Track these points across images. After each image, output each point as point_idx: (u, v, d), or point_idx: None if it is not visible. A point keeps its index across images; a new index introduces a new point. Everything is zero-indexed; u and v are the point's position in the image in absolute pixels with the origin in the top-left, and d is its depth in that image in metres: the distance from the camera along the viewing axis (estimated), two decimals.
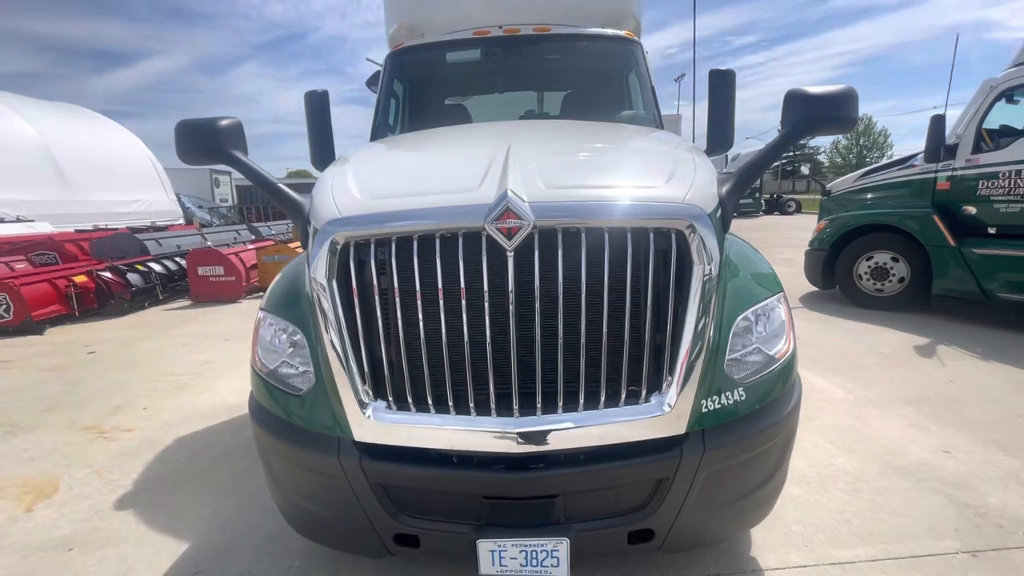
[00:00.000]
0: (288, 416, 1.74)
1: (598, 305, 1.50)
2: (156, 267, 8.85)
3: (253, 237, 13.30)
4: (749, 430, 1.64)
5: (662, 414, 1.54)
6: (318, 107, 3.32)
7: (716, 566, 2.11)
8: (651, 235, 1.51)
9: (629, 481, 1.60)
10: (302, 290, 1.88)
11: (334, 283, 1.58)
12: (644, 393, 1.56)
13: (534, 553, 1.58)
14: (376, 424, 1.58)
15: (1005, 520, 2.33)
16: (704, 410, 1.58)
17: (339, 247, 1.57)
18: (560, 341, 1.50)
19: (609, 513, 1.64)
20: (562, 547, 1.57)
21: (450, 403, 1.56)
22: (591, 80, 3.40)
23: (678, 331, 1.54)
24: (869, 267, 6.37)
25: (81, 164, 19.18)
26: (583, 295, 1.49)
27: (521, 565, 1.60)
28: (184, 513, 2.62)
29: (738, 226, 21.81)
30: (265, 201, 25.08)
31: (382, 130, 3.18)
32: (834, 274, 6.71)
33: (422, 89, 3.45)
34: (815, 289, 7.26)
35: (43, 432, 3.67)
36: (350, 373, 1.58)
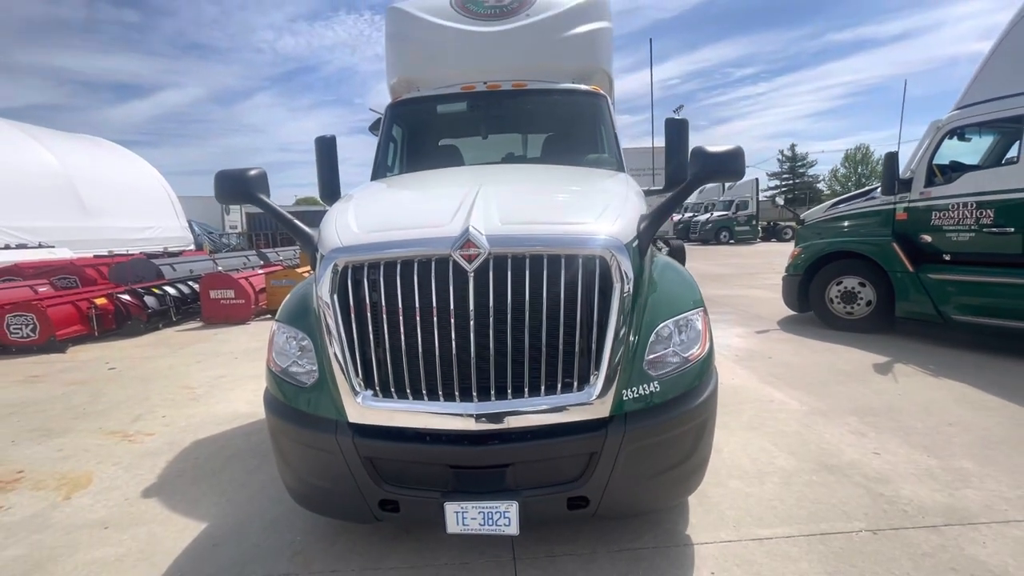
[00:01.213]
0: (297, 404, 2.17)
1: (538, 316, 1.94)
2: (171, 290, 9.37)
3: (262, 262, 13.88)
4: (664, 415, 2.05)
5: (589, 400, 1.96)
6: (327, 150, 3.85)
7: (655, 540, 2.48)
8: (580, 260, 1.97)
9: (566, 454, 2.01)
10: (310, 305, 2.34)
11: (335, 298, 2.03)
12: (576, 384, 1.99)
13: (490, 514, 1.98)
14: (365, 408, 2.00)
15: (911, 507, 2.69)
16: (625, 398, 2.00)
17: (340, 269, 2.03)
18: (509, 343, 1.94)
19: (551, 482, 2.03)
20: (512, 509, 1.96)
21: (423, 391, 1.98)
22: (562, 127, 3.92)
23: (602, 335, 1.97)
24: (839, 291, 6.78)
25: (99, 192, 20.02)
26: (527, 308, 1.93)
27: (480, 524, 1.99)
28: (203, 501, 3.01)
29: (731, 252, 22.34)
30: (272, 228, 25.83)
31: (382, 170, 3.69)
32: (808, 298, 7.13)
33: (417, 134, 3.98)
34: (794, 313, 7.66)
35: (74, 436, 4.08)
36: (346, 368, 2.01)
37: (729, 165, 2.13)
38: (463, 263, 1.91)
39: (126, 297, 8.37)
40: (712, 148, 2.17)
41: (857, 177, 58.28)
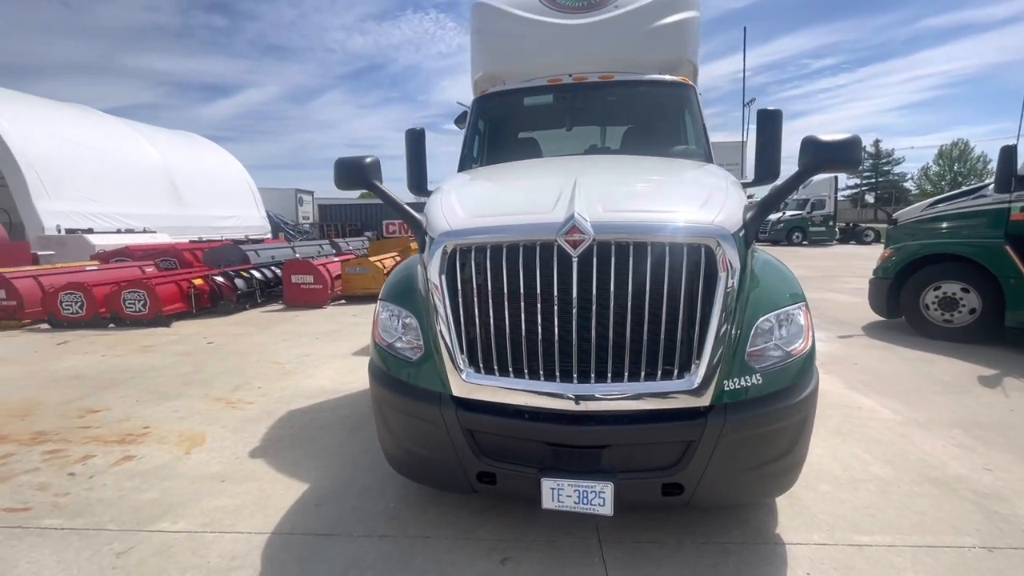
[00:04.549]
0: (402, 376, 2.31)
1: (641, 302, 1.97)
2: (256, 274, 10.10)
3: (334, 251, 14.65)
4: (765, 408, 2.02)
5: (690, 388, 1.97)
6: (416, 142, 4.04)
7: (744, 536, 2.44)
8: (685, 249, 1.97)
9: (663, 441, 2.03)
10: (413, 285, 2.49)
11: (443, 278, 2.15)
12: (676, 371, 2.00)
13: (585, 493, 2.04)
14: (468, 383, 2.11)
15: None
16: (725, 388, 1.99)
17: (448, 252, 2.15)
18: (611, 328, 1.98)
19: (647, 467, 2.06)
20: (607, 489, 2.01)
21: (525, 370, 2.07)
22: (649, 119, 3.89)
23: (705, 324, 1.97)
24: (937, 297, 6.27)
25: (192, 183, 21.83)
26: (629, 294, 1.97)
27: (575, 502, 2.06)
28: (302, 464, 3.27)
29: (806, 254, 21.06)
30: (341, 220, 27.11)
31: (468, 161, 3.82)
32: (899, 303, 6.64)
33: (503, 127, 4.08)
34: (881, 319, 7.16)
35: (186, 400, 4.53)
36: (451, 344, 2.13)
37: (844, 154, 2.05)
38: (568, 248, 1.97)
39: (220, 279, 9.12)
40: (825, 136, 2.10)
41: (952, 176, 53.22)
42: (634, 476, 2.05)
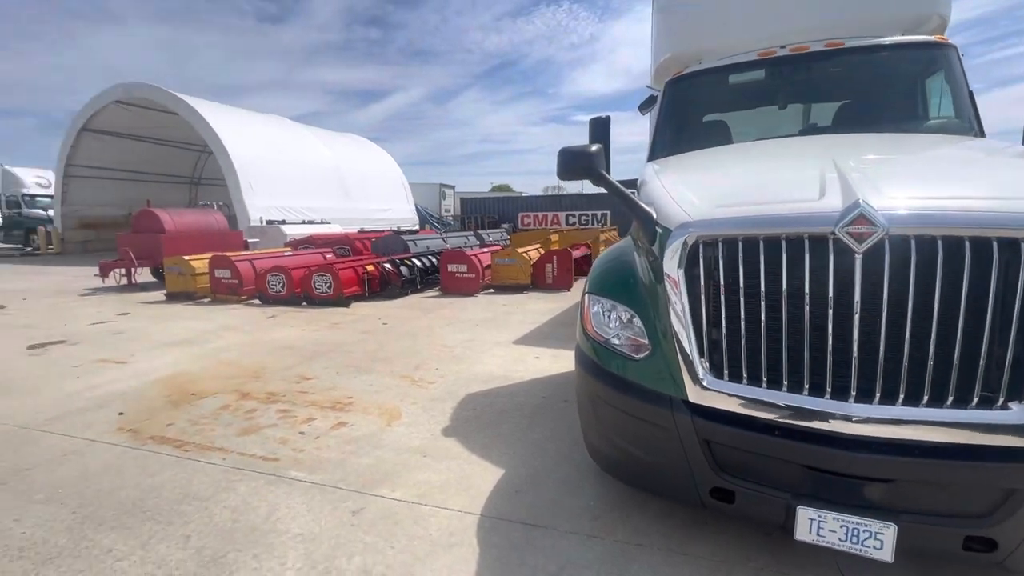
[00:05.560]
0: (624, 374, 2.20)
1: (953, 311, 1.59)
2: (416, 263, 10.94)
3: (478, 242, 15.35)
4: None
5: (1020, 423, 1.55)
6: (601, 130, 3.89)
7: None
8: (1022, 246, 1.55)
9: (972, 484, 1.64)
10: (629, 277, 2.36)
11: (682, 273, 1.98)
12: (1001, 400, 1.59)
13: (856, 531, 1.73)
14: (710, 390, 1.92)
15: None
16: None
17: (689, 244, 1.96)
18: (907, 338, 1.64)
19: (945, 512, 1.69)
20: (888, 531, 1.68)
21: (784, 381, 1.81)
22: (890, 89, 3.26)
23: None
24: None
25: (356, 179, 24.48)
26: (936, 300, 1.60)
27: (839, 539, 1.76)
28: (492, 448, 3.37)
29: None
30: (481, 213, 28.40)
31: (662, 149, 3.58)
32: None
33: (700, 110, 3.76)
34: None
35: (376, 375, 5.01)
36: (690, 346, 1.95)
37: None
38: (850, 243, 1.66)
39: (388, 266, 10.04)
40: None
41: None
42: (926, 520, 1.69)
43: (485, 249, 11.72)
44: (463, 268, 10.11)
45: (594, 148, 2.32)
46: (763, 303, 1.82)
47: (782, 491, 1.85)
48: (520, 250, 10.88)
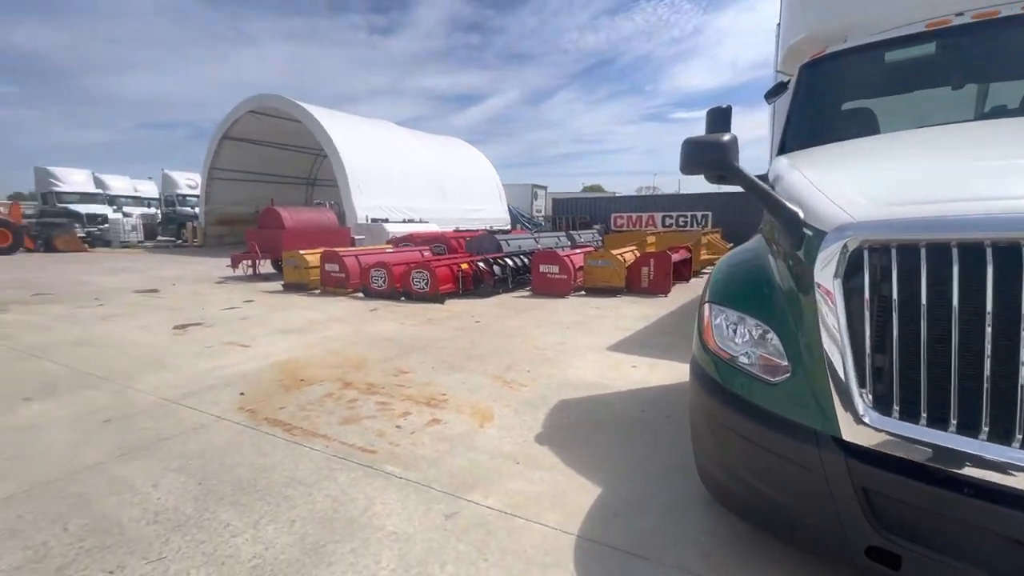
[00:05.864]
0: (754, 398, 1.90)
1: None
2: (508, 262, 10.98)
3: (569, 243, 15.12)
4: None
5: None
6: (720, 121, 3.51)
7: None
8: None
9: None
10: (761, 285, 2.04)
11: (838, 283, 1.65)
12: None
13: None
14: (871, 428, 1.58)
15: None
16: None
17: (851, 250, 1.63)
18: None
19: None
20: None
21: (984, 427, 1.43)
22: None
23: None
24: None
25: (453, 180, 25.33)
26: None
27: None
28: (587, 461, 3.17)
29: None
30: (572, 212, 28.06)
31: (797, 140, 3.13)
32: None
33: (843, 95, 3.25)
34: None
35: (469, 373, 5.01)
36: (846, 372, 1.62)
37: None
38: None
39: (481, 264, 10.18)
40: None
41: None
42: None
43: (577, 250, 11.47)
44: (555, 269, 9.96)
45: (726, 138, 2.03)
46: (955, 325, 1.45)
47: (971, 565, 1.46)
48: (615, 252, 10.49)
